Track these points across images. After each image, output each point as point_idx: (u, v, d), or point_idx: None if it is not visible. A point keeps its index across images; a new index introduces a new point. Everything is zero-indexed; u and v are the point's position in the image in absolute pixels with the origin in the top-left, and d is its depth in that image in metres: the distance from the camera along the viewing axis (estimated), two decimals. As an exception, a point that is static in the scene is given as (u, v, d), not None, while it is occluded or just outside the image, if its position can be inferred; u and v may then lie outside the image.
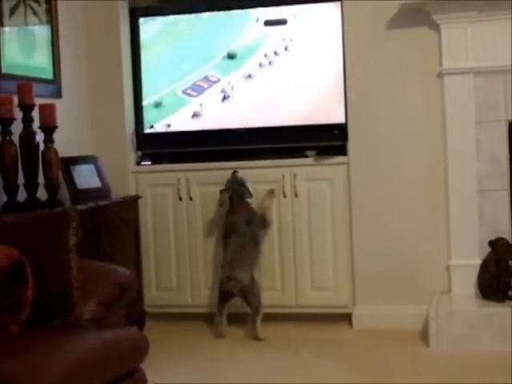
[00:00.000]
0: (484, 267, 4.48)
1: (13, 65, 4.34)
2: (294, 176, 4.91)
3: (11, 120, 4.03)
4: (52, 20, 4.73)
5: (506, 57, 4.45)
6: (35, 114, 4.16)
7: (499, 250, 4.42)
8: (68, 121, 4.70)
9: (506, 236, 4.52)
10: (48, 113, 4.22)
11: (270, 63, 5.08)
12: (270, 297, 4.85)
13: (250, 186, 4.87)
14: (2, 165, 3.99)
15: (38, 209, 3.94)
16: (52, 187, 4.21)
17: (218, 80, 5.27)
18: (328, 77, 4.96)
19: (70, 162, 4.59)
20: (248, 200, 4.85)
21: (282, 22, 5.02)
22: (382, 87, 4.76)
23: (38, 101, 4.18)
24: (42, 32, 4.68)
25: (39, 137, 4.19)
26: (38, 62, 4.64)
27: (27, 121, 4.11)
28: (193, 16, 5.27)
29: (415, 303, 4.65)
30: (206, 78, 5.32)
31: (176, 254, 5.14)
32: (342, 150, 4.90)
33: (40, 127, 4.21)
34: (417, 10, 4.56)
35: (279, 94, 5.06)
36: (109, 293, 3.09)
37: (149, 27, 5.29)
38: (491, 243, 4.45)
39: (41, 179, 4.19)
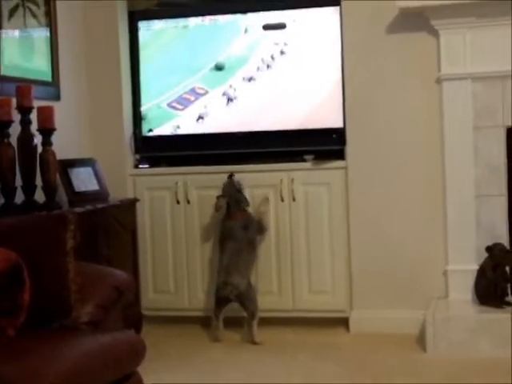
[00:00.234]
0: (481, 273, 4.48)
1: (11, 67, 4.34)
2: (292, 180, 4.91)
3: (9, 122, 4.03)
4: (51, 22, 4.73)
5: (505, 62, 4.46)
6: (33, 116, 4.16)
7: (496, 255, 4.42)
8: (66, 123, 4.70)
9: (504, 241, 4.52)
10: (46, 115, 4.22)
11: (268, 67, 5.07)
12: (267, 301, 4.85)
13: (247, 191, 4.87)
14: (-1, 167, 4.00)
15: (36, 211, 3.93)
16: (50, 190, 4.21)
17: (206, 92, 5.23)
18: (326, 81, 4.96)
19: (68, 165, 4.58)
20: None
21: (281, 26, 5.02)
22: (380, 92, 4.77)
23: (36, 103, 4.18)
24: (40, 34, 4.68)
25: (37, 139, 4.18)
26: (37, 64, 4.64)
27: (25, 123, 4.11)
28: (180, 25, 5.24)
29: (412, 308, 4.65)
30: (192, 91, 5.28)
31: (173, 257, 5.14)
32: (340, 155, 4.91)
33: (38, 130, 4.21)
34: (416, 15, 4.56)
35: (277, 98, 5.06)
36: (106, 296, 3.09)
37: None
38: (488, 249, 4.45)
39: (38, 182, 4.19)
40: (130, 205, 4.90)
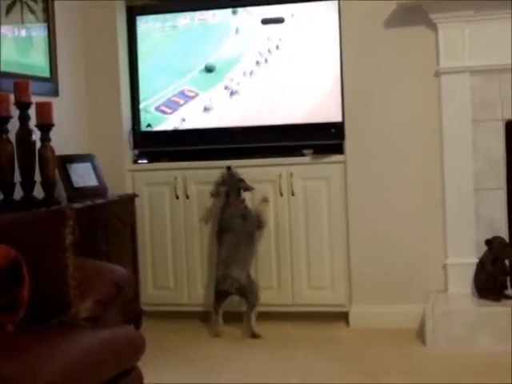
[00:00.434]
0: (480, 266, 4.49)
1: (9, 63, 4.33)
2: (291, 175, 4.91)
3: (8, 118, 4.02)
4: (49, 18, 4.72)
5: (503, 56, 4.46)
6: (32, 112, 4.15)
7: (496, 248, 4.42)
8: (65, 119, 4.70)
9: (503, 235, 4.52)
10: (45, 111, 4.21)
11: (266, 61, 5.06)
12: (267, 295, 4.85)
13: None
14: (-2, 163, 3.99)
15: (35, 207, 3.93)
16: (48, 185, 4.21)
17: (196, 95, 5.18)
18: (325, 76, 4.95)
19: (67, 161, 4.58)
20: (243, 197, 4.85)
21: (280, 20, 5.01)
22: (378, 86, 4.76)
23: (34, 99, 4.17)
24: (38, 30, 4.67)
25: (36, 135, 4.18)
26: (35, 60, 4.64)
27: (24, 119, 4.11)
28: (168, 26, 5.20)
29: (412, 302, 4.65)
30: (181, 93, 5.24)
31: (173, 252, 5.14)
32: (338, 149, 4.90)
33: (37, 125, 4.21)
34: (414, 9, 4.56)
35: (276, 92, 5.05)
36: (105, 291, 3.09)
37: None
38: (488, 242, 4.45)
39: (37, 177, 4.19)
40: (129, 200, 4.90)
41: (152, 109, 5.24)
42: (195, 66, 5.20)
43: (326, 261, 4.90)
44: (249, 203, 4.89)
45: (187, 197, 5.08)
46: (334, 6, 4.87)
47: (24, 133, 4.11)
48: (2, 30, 4.30)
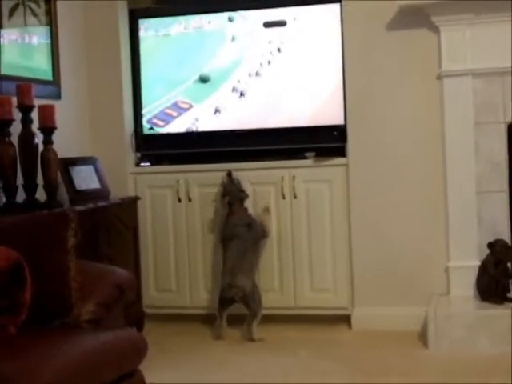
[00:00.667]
0: (483, 269, 4.48)
1: (12, 66, 4.34)
2: (293, 177, 4.91)
3: (10, 121, 4.03)
4: (51, 21, 4.73)
5: (505, 59, 4.46)
6: (34, 115, 4.16)
7: (498, 251, 4.42)
8: (67, 122, 4.70)
9: (505, 238, 4.51)
10: (47, 114, 4.22)
11: (268, 63, 5.04)
12: (269, 298, 4.85)
13: (248, 189, 4.88)
14: (1, 166, 3.99)
15: (37, 210, 3.93)
16: (51, 188, 4.21)
17: (190, 107, 5.13)
18: (327, 78, 4.96)
19: (69, 163, 4.59)
20: (246, 205, 4.86)
21: (282, 23, 5.01)
22: (381, 89, 4.76)
23: (37, 102, 4.18)
24: (41, 33, 4.67)
25: (38, 138, 4.18)
26: (38, 63, 4.64)
27: (26, 122, 4.11)
28: (161, 34, 5.16)
29: (414, 305, 4.65)
30: (175, 105, 5.19)
31: (175, 255, 5.14)
32: (341, 152, 4.91)
33: (39, 128, 4.21)
34: (416, 11, 4.56)
35: (278, 95, 5.05)
36: (107, 294, 3.09)
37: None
38: (490, 245, 4.44)
39: (40, 180, 4.19)
40: (132, 203, 4.90)
41: (143, 121, 5.22)
42: (189, 76, 5.14)
43: (328, 263, 4.90)
44: (250, 208, 4.88)
45: (189, 200, 5.09)
46: (336, 9, 4.87)
47: (26, 136, 4.12)
48: (4, 33, 4.31)
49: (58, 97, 4.74)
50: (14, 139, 4.07)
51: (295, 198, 4.92)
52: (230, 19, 5.09)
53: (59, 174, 4.35)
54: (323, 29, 4.95)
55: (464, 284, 4.58)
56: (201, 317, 5.05)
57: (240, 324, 4.74)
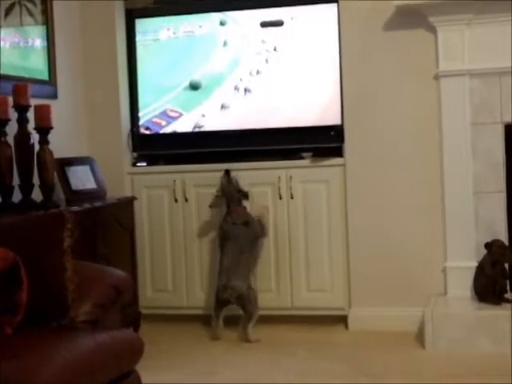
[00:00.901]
0: (480, 269, 4.48)
1: (8, 65, 4.32)
2: (290, 178, 4.91)
3: (6, 121, 4.02)
4: (47, 21, 4.72)
5: (502, 59, 4.45)
6: (30, 114, 4.15)
7: (495, 252, 4.42)
8: (63, 122, 4.70)
9: (502, 238, 4.51)
10: (43, 114, 4.21)
11: (266, 62, 5.02)
12: (266, 299, 4.84)
13: (242, 184, 4.84)
14: (-4, 166, 3.99)
15: (33, 210, 3.92)
16: (47, 188, 4.20)
17: (180, 115, 5.07)
18: (324, 78, 4.95)
19: (66, 163, 4.58)
20: (244, 204, 4.85)
21: (279, 23, 5.01)
22: (378, 89, 4.76)
23: (33, 102, 4.17)
24: (37, 33, 4.66)
25: (34, 138, 4.17)
26: (34, 62, 4.63)
27: (22, 122, 4.10)
28: (149, 39, 5.13)
29: (411, 305, 4.65)
30: (164, 114, 5.14)
31: (171, 255, 5.13)
32: (338, 152, 4.90)
33: (35, 128, 4.20)
34: (413, 12, 4.56)
35: (275, 95, 5.04)
36: (104, 295, 3.08)
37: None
38: (487, 245, 4.44)
39: (36, 180, 4.18)
40: (128, 203, 4.89)
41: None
42: (179, 83, 5.10)
43: (325, 264, 4.89)
44: (247, 208, 4.88)
45: (186, 200, 5.08)
46: (333, 9, 4.86)
47: (22, 136, 4.11)
48: (0, 33, 4.29)
49: (54, 97, 4.73)
50: (10, 139, 4.06)
51: (292, 198, 4.92)
52: (222, 23, 5.05)
53: (55, 174, 4.34)
54: (320, 29, 4.94)
55: (461, 284, 4.58)
56: (197, 317, 5.05)
57: (235, 325, 4.73)
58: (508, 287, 4.48)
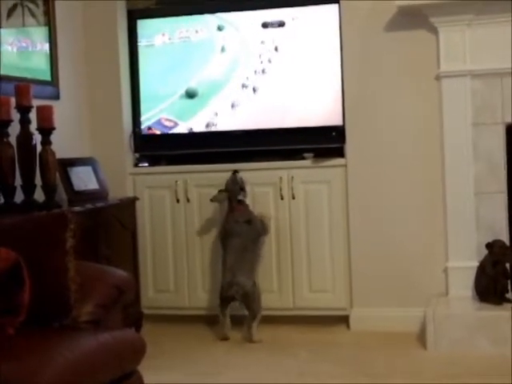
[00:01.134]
0: (481, 269, 4.48)
1: (11, 66, 4.33)
2: (292, 178, 4.91)
3: (8, 122, 4.03)
4: (50, 22, 4.73)
5: (504, 59, 4.45)
6: (33, 115, 4.16)
7: (496, 252, 4.42)
8: (66, 122, 4.71)
9: (504, 238, 4.51)
10: (45, 114, 4.21)
11: (269, 61, 5.02)
12: (268, 299, 4.84)
13: (247, 189, 4.86)
14: (-1, 166, 4.00)
15: (36, 210, 3.92)
16: (49, 189, 4.21)
17: (175, 125, 5.04)
18: (325, 79, 4.95)
19: (68, 164, 4.58)
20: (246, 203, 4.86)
21: (280, 24, 5.01)
22: (379, 90, 4.76)
23: (35, 102, 4.18)
24: (39, 33, 4.67)
25: (37, 138, 4.18)
26: (36, 63, 4.64)
27: (25, 122, 4.11)
28: (143, 45, 5.10)
29: (413, 305, 4.65)
30: (158, 123, 5.11)
31: (173, 255, 5.14)
32: (339, 153, 4.91)
33: (37, 129, 4.21)
34: (414, 12, 4.56)
35: (277, 96, 5.04)
36: (106, 295, 3.08)
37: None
38: (488, 245, 4.45)
39: (38, 181, 4.19)
40: (130, 203, 4.90)
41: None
42: (175, 91, 5.07)
43: (326, 264, 4.89)
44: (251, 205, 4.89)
45: (188, 200, 5.08)
46: (334, 9, 4.86)
47: (25, 136, 4.12)
48: (3, 34, 4.30)
49: (56, 97, 4.74)
50: (13, 140, 4.07)
51: (294, 198, 4.92)
52: (220, 28, 5.04)
53: (57, 174, 4.35)
54: (321, 29, 4.94)
55: (462, 285, 4.58)
56: (199, 317, 5.05)
57: (239, 325, 4.74)
58: (509, 287, 4.48)
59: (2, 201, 4.03)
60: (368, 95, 4.78)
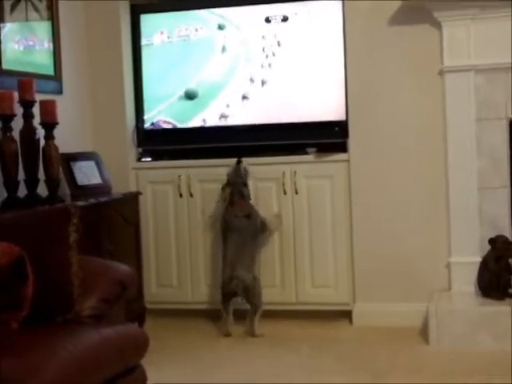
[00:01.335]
0: (484, 265, 4.48)
1: (13, 61, 4.33)
2: (295, 173, 4.91)
3: (12, 116, 4.03)
4: (53, 16, 4.72)
5: (507, 54, 4.45)
6: (36, 110, 4.16)
7: (499, 247, 4.42)
8: (69, 117, 4.70)
9: (506, 233, 4.51)
10: (49, 109, 4.21)
11: (273, 55, 5.00)
12: (270, 294, 4.85)
13: (250, 184, 4.85)
14: (2, 161, 4.00)
15: (39, 205, 3.92)
16: (52, 183, 4.22)
17: (174, 127, 5.02)
18: (328, 74, 4.95)
19: (71, 159, 4.59)
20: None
21: (283, 18, 5.00)
22: (382, 84, 4.76)
23: (38, 97, 4.18)
24: (43, 28, 4.67)
25: (40, 133, 4.19)
26: (39, 58, 4.64)
27: (28, 117, 4.11)
28: (142, 43, 5.07)
29: (415, 301, 4.65)
30: (157, 125, 5.10)
31: (176, 250, 5.14)
32: (342, 147, 4.90)
33: (40, 123, 4.21)
34: (418, 7, 4.55)
35: (280, 91, 5.04)
36: (109, 290, 3.08)
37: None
38: (491, 241, 4.45)
39: (41, 175, 4.19)
40: (133, 198, 4.90)
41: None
42: (174, 92, 5.04)
43: (329, 259, 4.90)
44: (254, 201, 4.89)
45: (191, 195, 5.09)
46: (337, 4, 4.86)
47: (28, 131, 4.12)
48: (6, 28, 4.30)
49: (59, 92, 4.74)
50: (16, 134, 4.07)
51: (296, 193, 4.92)
52: (221, 27, 5.02)
53: (61, 169, 4.35)
54: (325, 24, 4.93)
55: (465, 280, 4.58)
56: (202, 312, 5.06)
57: (241, 319, 4.74)
58: (512, 283, 4.49)
59: (6, 195, 4.03)
60: (371, 90, 4.78)
